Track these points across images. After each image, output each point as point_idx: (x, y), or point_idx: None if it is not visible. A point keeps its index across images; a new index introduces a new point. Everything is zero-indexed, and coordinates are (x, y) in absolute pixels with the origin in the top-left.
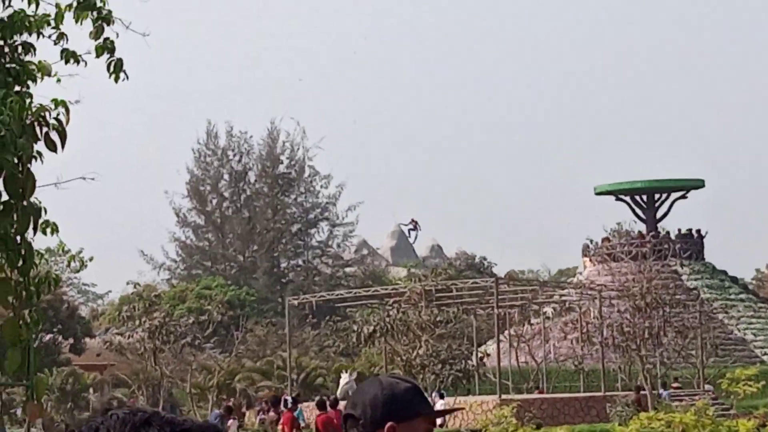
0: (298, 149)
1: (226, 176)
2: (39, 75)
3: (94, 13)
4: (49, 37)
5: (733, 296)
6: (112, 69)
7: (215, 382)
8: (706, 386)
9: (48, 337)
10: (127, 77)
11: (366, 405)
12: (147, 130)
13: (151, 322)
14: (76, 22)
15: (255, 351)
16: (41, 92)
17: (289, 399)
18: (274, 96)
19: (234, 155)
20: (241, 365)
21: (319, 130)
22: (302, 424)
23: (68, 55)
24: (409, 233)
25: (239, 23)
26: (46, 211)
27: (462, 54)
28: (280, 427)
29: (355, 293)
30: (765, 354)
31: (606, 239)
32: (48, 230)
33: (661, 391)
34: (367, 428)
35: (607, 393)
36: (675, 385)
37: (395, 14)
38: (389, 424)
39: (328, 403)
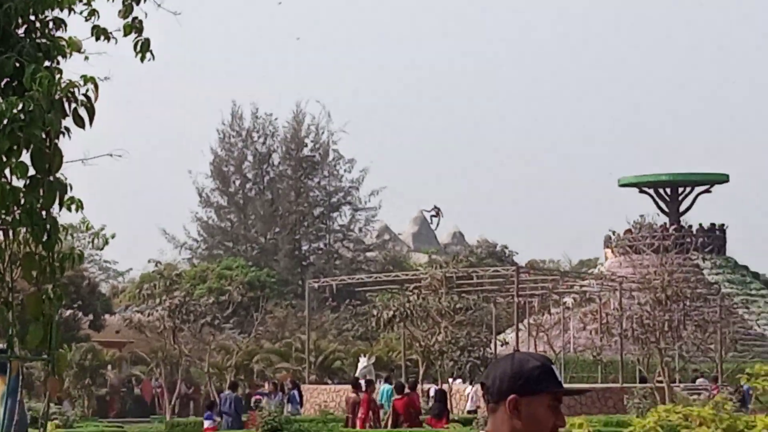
0: (323, 133)
1: (250, 157)
2: (69, 51)
3: None
4: (80, 13)
5: (754, 292)
6: (138, 49)
7: (233, 363)
8: (699, 379)
9: (68, 312)
10: (153, 57)
11: (496, 377)
12: (172, 110)
13: (171, 300)
14: None
15: (274, 333)
16: (70, 68)
17: (362, 381)
18: (300, 79)
19: (258, 137)
20: (260, 346)
21: (344, 113)
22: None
23: (98, 32)
24: (431, 220)
25: (266, 5)
26: (71, 188)
27: (488, 42)
28: (362, 408)
29: (376, 278)
30: None
31: (628, 231)
32: (73, 206)
33: (744, 385)
34: (494, 397)
35: (625, 384)
36: (658, 379)
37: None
38: (512, 396)
39: (407, 386)
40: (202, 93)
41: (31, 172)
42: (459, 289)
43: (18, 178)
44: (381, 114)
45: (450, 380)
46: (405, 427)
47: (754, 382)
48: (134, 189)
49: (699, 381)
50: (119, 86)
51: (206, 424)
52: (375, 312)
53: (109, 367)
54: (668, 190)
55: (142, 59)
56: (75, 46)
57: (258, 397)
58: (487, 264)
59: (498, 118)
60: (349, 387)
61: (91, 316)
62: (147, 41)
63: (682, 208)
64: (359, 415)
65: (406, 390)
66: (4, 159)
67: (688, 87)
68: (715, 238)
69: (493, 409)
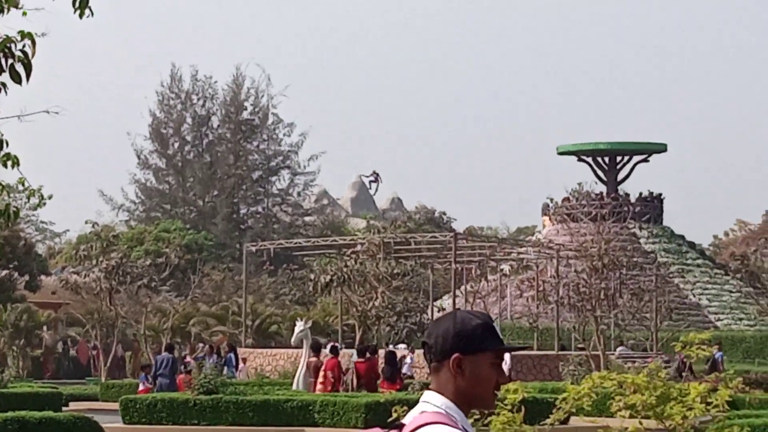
0: (263, 96)
1: (189, 120)
2: (6, 6)
3: None
4: None
5: (689, 261)
6: (77, 5)
7: (170, 325)
8: (619, 348)
9: (3, 273)
10: (92, 14)
11: (438, 336)
12: (112, 70)
13: (108, 262)
14: None
15: (211, 296)
16: (8, 24)
17: (338, 345)
18: (241, 42)
19: (198, 99)
20: (197, 309)
21: (284, 78)
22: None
23: None
24: (369, 185)
25: None
26: (8, 144)
27: (430, 8)
28: (322, 373)
29: (314, 242)
30: (718, 320)
31: (566, 199)
32: (9, 163)
33: (715, 352)
34: (437, 356)
35: (561, 352)
36: (581, 346)
37: None
38: (456, 355)
39: (368, 351)
40: (142, 54)
41: None
42: (397, 255)
43: None
44: (321, 78)
45: (390, 346)
46: (364, 391)
47: (688, 350)
48: (72, 149)
49: (620, 349)
50: (58, 44)
51: (141, 386)
52: (312, 276)
53: (45, 328)
54: (606, 159)
55: (81, 15)
56: (13, 2)
57: (188, 360)
58: (425, 230)
59: (437, 85)
60: (286, 351)
61: (26, 277)
62: None
63: (620, 177)
64: (320, 379)
65: (367, 355)
66: None
67: (629, 56)
68: (652, 207)
69: (436, 368)
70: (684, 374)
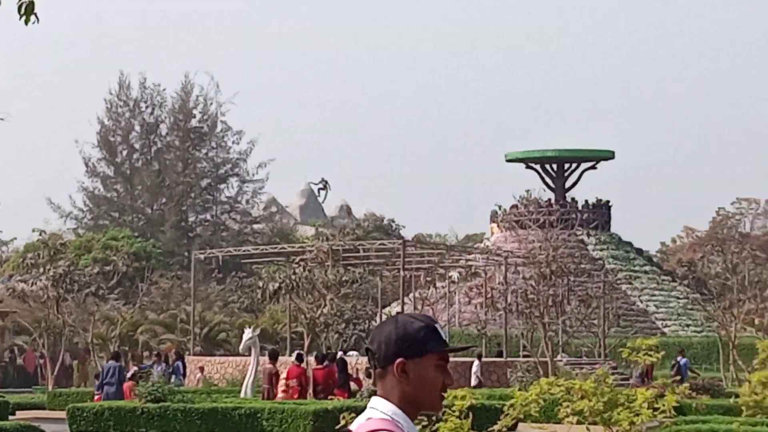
0: (211, 104)
1: (137, 128)
2: None
3: None
4: None
5: (637, 268)
6: (23, 11)
7: (118, 333)
8: (561, 354)
9: None
10: (38, 20)
11: (381, 341)
12: (59, 77)
13: (55, 270)
14: None
15: (159, 304)
16: None
17: (303, 353)
18: (189, 50)
19: (146, 107)
20: (145, 317)
21: (233, 85)
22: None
23: None
24: (318, 192)
25: None
26: None
27: (377, 15)
28: (284, 381)
29: (262, 250)
30: (666, 326)
31: (514, 206)
32: None
33: (679, 358)
34: (381, 362)
35: (509, 359)
36: (525, 353)
37: None
38: (399, 359)
39: (327, 358)
40: (90, 61)
41: None
42: (345, 262)
43: None
44: (270, 86)
45: (340, 353)
46: (322, 398)
47: (635, 356)
48: (19, 157)
49: (561, 356)
50: (3, 49)
51: (96, 395)
52: (261, 284)
53: None
54: (554, 166)
55: (27, 22)
56: None
57: (131, 367)
58: (373, 237)
59: (386, 93)
60: (234, 359)
61: None
62: (31, 4)
63: (567, 184)
64: (282, 387)
65: (326, 362)
66: None
67: (576, 63)
68: (599, 214)
69: (381, 374)
70: (630, 381)
